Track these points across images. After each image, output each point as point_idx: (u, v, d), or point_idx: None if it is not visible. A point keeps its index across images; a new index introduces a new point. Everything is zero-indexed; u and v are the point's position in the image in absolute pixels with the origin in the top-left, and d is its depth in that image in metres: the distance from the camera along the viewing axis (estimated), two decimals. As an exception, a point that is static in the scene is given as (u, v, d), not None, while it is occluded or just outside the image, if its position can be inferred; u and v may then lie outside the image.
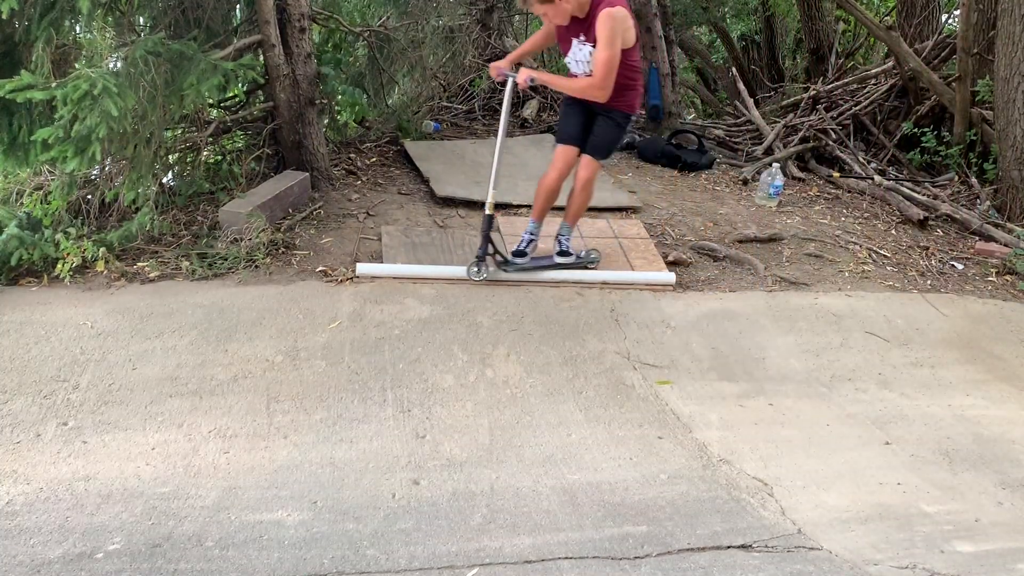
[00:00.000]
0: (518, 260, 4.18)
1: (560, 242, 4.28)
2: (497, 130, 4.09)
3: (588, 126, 4.00)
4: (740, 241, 5.02)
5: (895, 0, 8.99)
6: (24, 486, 2.58)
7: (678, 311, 4.11)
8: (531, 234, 4.25)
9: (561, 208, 4.33)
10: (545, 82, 4.01)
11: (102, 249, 3.93)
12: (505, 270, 4.14)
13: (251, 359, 3.38)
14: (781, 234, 5.16)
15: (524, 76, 3.79)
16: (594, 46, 3.65)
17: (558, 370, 3.51)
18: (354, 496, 2.63)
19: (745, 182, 6.20)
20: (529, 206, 5.22)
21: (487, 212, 4.01)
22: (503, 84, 4.04)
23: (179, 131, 4.54)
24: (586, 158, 4.02)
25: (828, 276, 4.68)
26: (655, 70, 7.29)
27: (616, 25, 3.60)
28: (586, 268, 4.30)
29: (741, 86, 8.52)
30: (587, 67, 3.75)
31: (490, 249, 4.08)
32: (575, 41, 3.75)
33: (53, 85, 3.55)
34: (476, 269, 4.08)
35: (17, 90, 3.51)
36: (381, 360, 3.46)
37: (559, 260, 4.25)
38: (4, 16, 3.49)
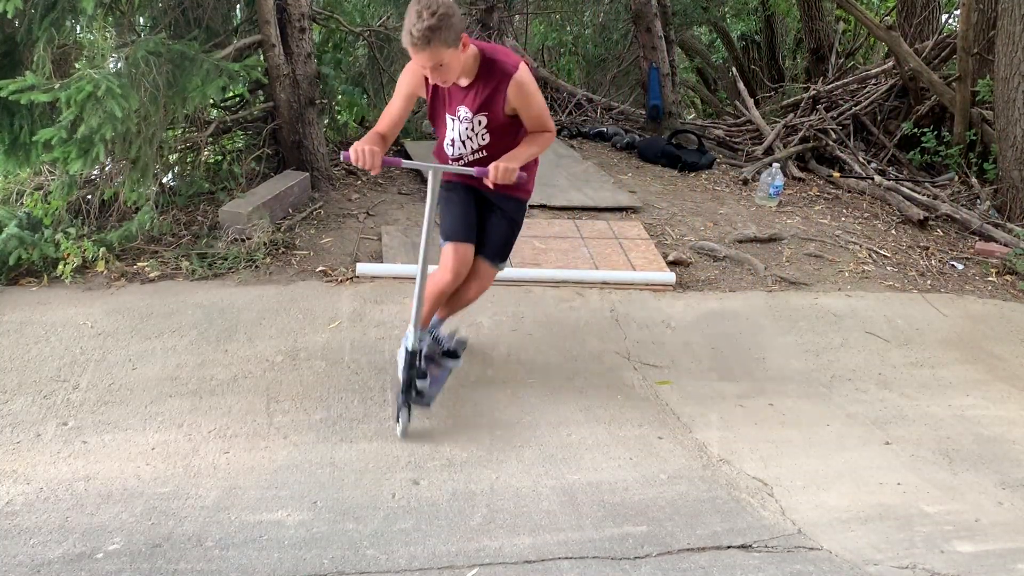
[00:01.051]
0: (427, 389, 3.02)
1: (440, 340, 3.22)
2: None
3: (480, 219, 3.08)
4: (740, 241, 5.02)
5: (895, 0, 8.99)
6: (24, 486, 2.58)
7: (678, 311, 4.11)
8: (422, 343, 3.01)
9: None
10: (522, 163, 2.79)
11: (102, 249, 3.93)
12: (427, 405, 3.05)
13: (251, 359, 3.38)
14: (781, 234, 5.16)
15: (497, 176, 2.69)
16: (487, 115, 2.80)
17: (558, 370, 3.51)
18: (354, 496, 2.63)
19: (745, 182, 6.20)
20: (528, 206, 5.22)
21: (409, 348, 2.91)
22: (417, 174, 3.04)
23: (179, 131, 4.54)
24: (485, 265, 3.09)
25: (828, 276, 4.68)
26: (655, 70, 7.29)
27: (534, 86, 2.80)
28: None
29: (741, 86, 8.52)
30: (480, 140, 2.87)
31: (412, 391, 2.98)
32: (460, 111, 2.83)
33: (56, 87, 3.54)
34: (398, 421, 2.99)
35: (20, 91, 3.51)
36: (381, 360, 3.45)
37: (451, 365, 3.20)
38: (9, 15, 3.49)
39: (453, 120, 2.88)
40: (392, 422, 3.03)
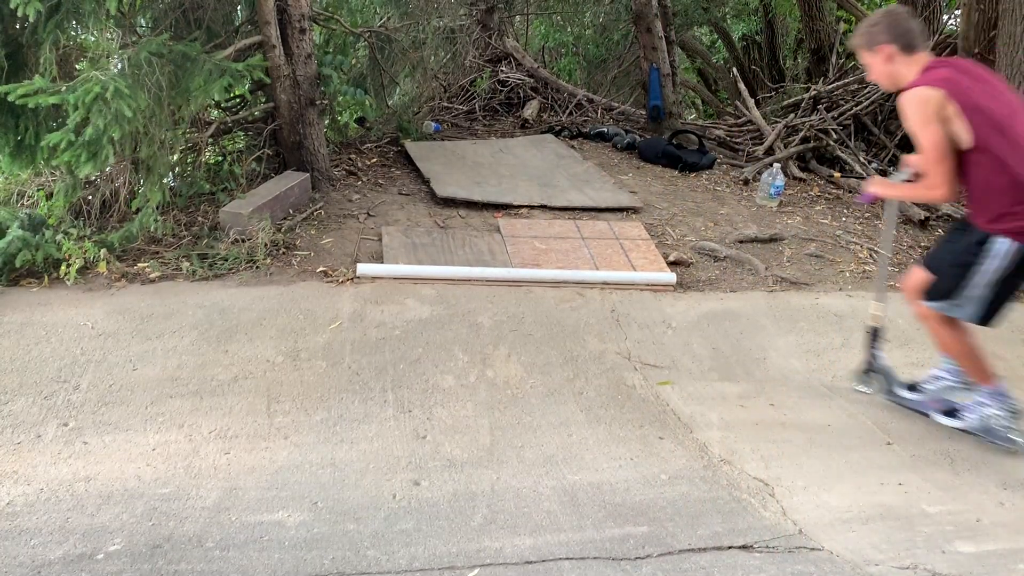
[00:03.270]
0: (907, 395, 3.40)
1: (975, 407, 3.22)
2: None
3: None
4: (741, 241, 5.02)
5: (895, 0, 8.98)
6: (25, 487, 2.58)
7: (679, 311, 4.11)
8: (945, 375, 3.35)
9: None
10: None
11: (103, 250, 3.93)
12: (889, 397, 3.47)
13: (252, 360, 3.38)
14: (782, 234, 5.16)
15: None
16: None
17: (559, 370, 3.51)
18: (355, 497, 2.63)
19: (746, 182, 6.20)
20: (528, 206, 5.24)
21: (874, 324, 3.38)
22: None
23: (180, 132, 4.55)
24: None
25: (829, 276, 4.68)
26: (656, 70, 7.29)
27: (918, 108, 2.81)
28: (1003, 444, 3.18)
29: (742, 86, 8.51)
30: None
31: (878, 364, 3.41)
32: None
33: (63, 89, 3.55)
34: (863, 383, 3.54)
35: (27, 95, 3.51)
36: (382, 360, 3.45)
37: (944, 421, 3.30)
38: (31, 18, 3.50)
39: None
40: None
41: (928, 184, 2.90)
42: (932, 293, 3.08)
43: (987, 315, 2.99)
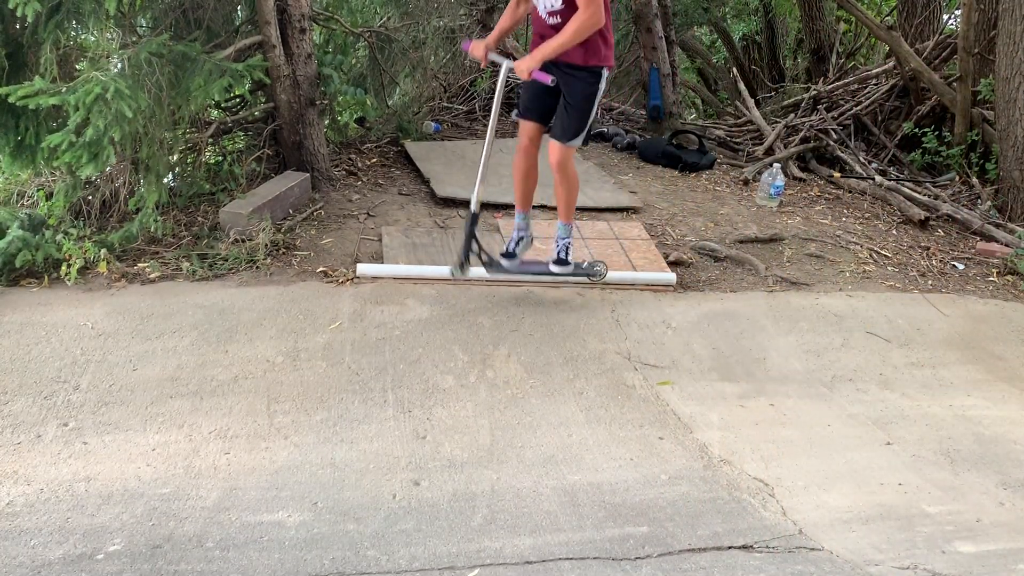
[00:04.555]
0: (504, 262, 3.83)
1: (558, 246, 3.87)
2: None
3: (553, 97, 3.57)
4: (741, 241, 5.02)
5: (896, 0, 8.98)
6: (24, 487, 2.58)
7: (679, 311, 4.11)
8: (519, 231, 3.88)
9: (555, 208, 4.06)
10: (547, 57, 3.35)
11: (103, 250, 3.93)
12: (489, 271, 3.87)
13: (252, 360, 3.38)
14: (782, 234, 5.16)
15: (525, 69, 3.32)
16: None
17: (559, 371, 3.51)
18: (355, 497, 2.63)
19: (746, 182, 6.20)
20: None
21: (472, 210, 3.68)
22: (493, 67, 3.68)
23: (180, 132, 4.55)
24: (552, 143, 3.62)
25: (829, 276, 4.68)
26: (656, 70, 7.29)
27: None
28: (588, 279, 3.97)
29: (742, 86, 8.52)
30: (553, 2, 3.36)
31: (475, 247, 3.74)
32: None
33: (64, 90, 3.55)
34: (459, 270, 3.81)
35: (28, 96, 3.51)
36: (382, 361, 3.46)
37: (554, 269, 3.86)
38: (30, 19, 3.50)
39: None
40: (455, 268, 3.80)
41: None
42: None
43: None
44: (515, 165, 3.79)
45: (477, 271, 3.93)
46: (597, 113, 3.60)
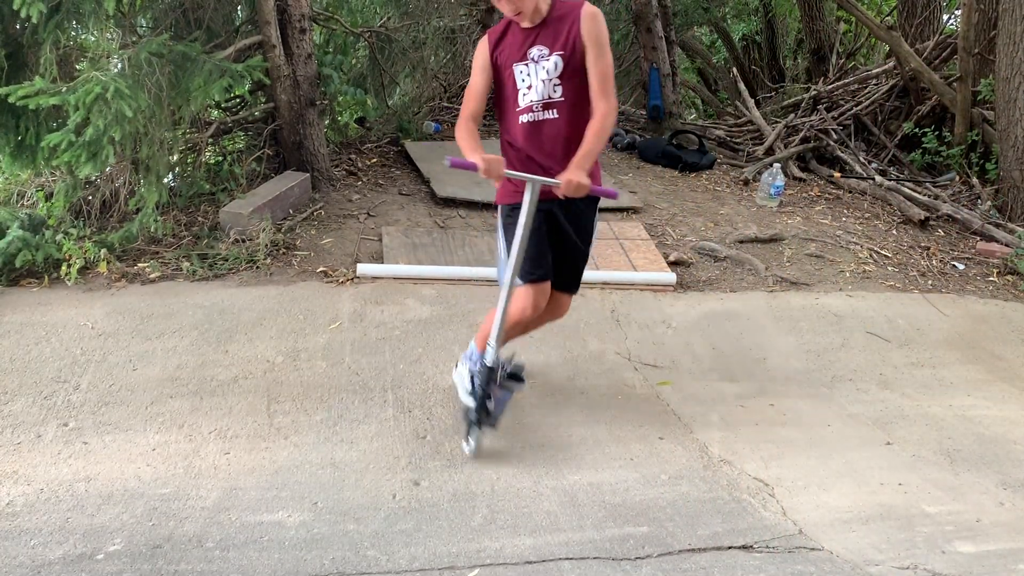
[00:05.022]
0: (493, 410, 2.90)
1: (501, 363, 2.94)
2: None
3: (552, 242, 2.91)
4: (741, 241, 5.02)
5: (896, 0, 8.98)
6: (25, 487, 2.58)
7: (679, 311, 4.10)
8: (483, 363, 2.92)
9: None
10: (586, 178, 2.62)
11: (103, 250, 3.93)
12: (492, 426, 2.91)
13: (252, 360, 3.38)
14: (782, 234, 5.16)
15: (582, 185, 2.59)
16: (562, 54, 2.70)
17: (559, 370, 3.51)
18: (355, 497, 2.63)
19: (746, 182, 6.20)
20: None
21: (489, 364, 2.83)
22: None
23: (180, 132, 4.55)
24: (565, 297, 3.10)
25: (829, 276, 4.68)
26: (656, 70, 7.29)
27: (606, 26, 2.73)
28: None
29: (742, 86, 8.52)
30: (550, 88, 2.73)
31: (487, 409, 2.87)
32: (533, 52, 2.73)
33: (64, 90, 3.55)
34: (468, 442, 2.91)
35: (28, 96, 3.51)
36: (382, 360, 3.45)
37: (515, 387, 3.06)
38: (33, 19, 3.50)
39: (525, 66, 2.75)
40: (461, 443, 2.91)
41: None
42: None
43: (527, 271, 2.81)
44: (525, 327, 3.07)
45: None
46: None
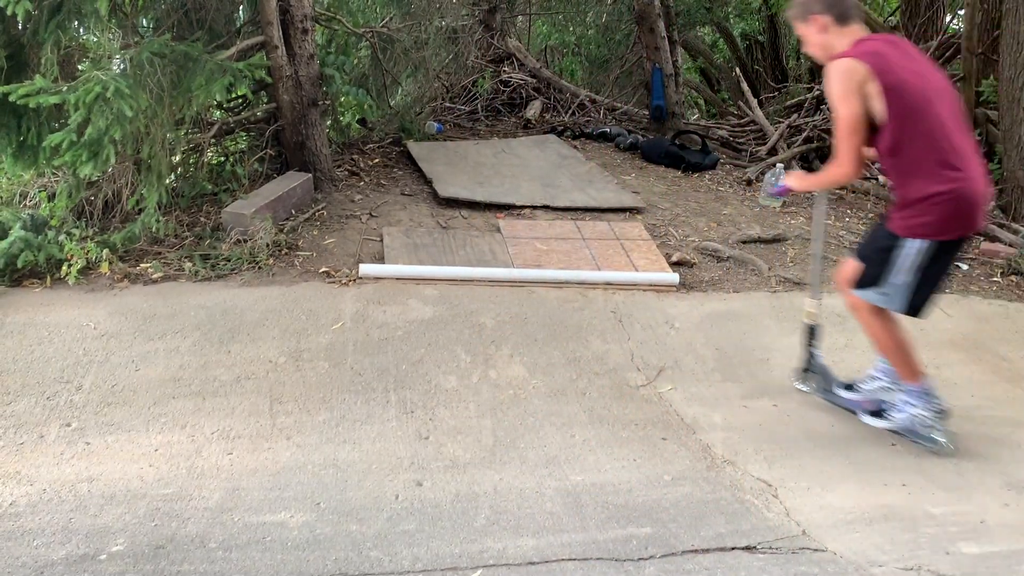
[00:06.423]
0: (843, 394, 3.34)
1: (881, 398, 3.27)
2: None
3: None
4: (744, 241, 5.01)
5: (899, 0, 8.97)
6: (27, 487, 2.58)
7: (682, 312, 4.10)
8: (881, 374, 3.31)
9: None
10: (807, 189, 3.41)
11: (105, 251, 3.93)
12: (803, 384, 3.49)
13: (254, 360, 3.38)
14: (785, 234, 5.15)
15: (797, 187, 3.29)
16: None
17: (561, 371, 3.50)
18: (357, 497, 2.63)
19: (749, 182, 6.19)
20: (531, 207, 5.23)
21: (807, 321, 3.31)
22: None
23: (182, 132, 4.55)
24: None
25: (832, 277, 4.66)
26: (658, 70, 7.29)
27: (841, 78, 2.75)
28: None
29: (745, 86, 8.51)
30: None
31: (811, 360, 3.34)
32: None
33: (64, 89, 3.55)
34: (803, 382, 3.48)
35: (29, 95, 3.52)
36: (384, 361, 3.45)
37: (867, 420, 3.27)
38: (20, 18, 3.49)
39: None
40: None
41: (836, 162, 2.86)
42: (860, 281, 3.04)
43: (914, 304, 2.94)
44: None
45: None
46: (909, 283, 2.92)
